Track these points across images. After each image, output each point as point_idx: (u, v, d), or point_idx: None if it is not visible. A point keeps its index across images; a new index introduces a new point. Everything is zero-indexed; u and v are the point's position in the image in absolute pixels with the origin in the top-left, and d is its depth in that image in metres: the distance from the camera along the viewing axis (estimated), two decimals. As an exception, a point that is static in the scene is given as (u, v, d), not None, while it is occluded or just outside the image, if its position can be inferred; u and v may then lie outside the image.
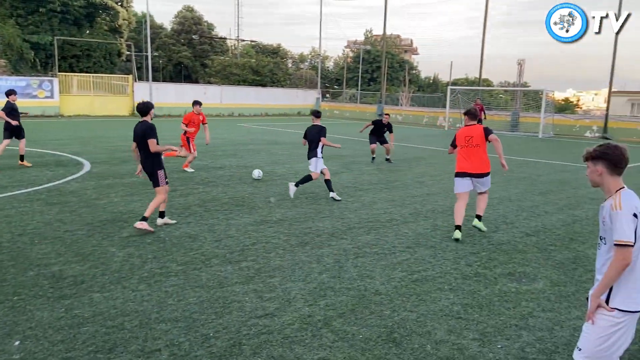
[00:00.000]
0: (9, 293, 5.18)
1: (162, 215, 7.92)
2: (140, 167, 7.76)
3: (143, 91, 34.07)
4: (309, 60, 67.67)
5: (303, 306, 5.10)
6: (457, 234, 7.56)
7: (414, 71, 63.47)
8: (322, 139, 9.86)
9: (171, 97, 35.64)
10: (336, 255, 6.72)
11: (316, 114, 10.27)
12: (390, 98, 44.16)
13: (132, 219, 8.00)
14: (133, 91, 34.29)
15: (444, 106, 34.72)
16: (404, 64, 59.44)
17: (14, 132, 12.66)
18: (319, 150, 9.93)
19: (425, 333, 4.62)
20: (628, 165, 3.21)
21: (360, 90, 50.51)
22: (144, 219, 7.47)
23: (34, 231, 7.32)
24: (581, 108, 53.71)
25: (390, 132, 15.75)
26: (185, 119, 12.86)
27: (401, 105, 42.22)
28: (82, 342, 4.26)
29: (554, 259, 6.88)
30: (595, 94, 64.20)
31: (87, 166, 12.99)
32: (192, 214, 8.53)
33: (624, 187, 3.18)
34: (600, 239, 3.23)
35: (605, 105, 31.65)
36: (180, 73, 59.64)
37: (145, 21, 39.33)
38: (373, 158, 15.58)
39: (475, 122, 7.82)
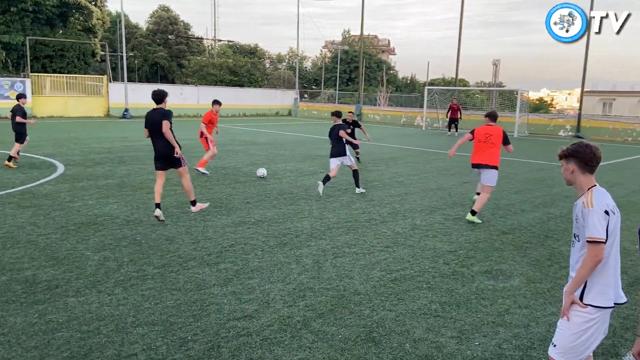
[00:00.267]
0: (-20, 299, 5.05)
1: (193, 203, 8.40)
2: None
3: (118, 92, 33.59)
4: (286, 60, 67.49)
5: (282, 307, 5.08)
6: (469, 217, 8.70)
7: (391, 71, 63.84)
8: (340, 132, 10.46)
9: (147, 98, 34.88)
10: (315, 255, 6.72)
11: (337, 114, 10.78)
12: (368, 98, 44.33)
13: (107, 222, 7.88)
14: (108, 92, 33.80)
15: (422, 106, 34.99)
16: (382, 64, 59.73)
17: (21, 134, 12.81)
18: (345, 145, 10.59)
19: (404, 332, 4.65)
20: (600, 164, 3.26)
21: (339, 90, 50.55)
22: (193, 202, 8.25)
23: (6, 235, 7.16)
24: (555, 107, 54.65)
25: (359, 127, 15.37)
26: (205, 119, 12.72)
27: (379, 105, 42.41)
28: (56, 348, 4.18)
29: (529, 257, 6.99)
30: (569, 94, 65.32)
31: (60, 168, 12.75)
32: (170, 216, 8.43)
33: (595, 185, 3.23)
34: (574, 237, 3.29)
35: (578, 104, 32.26)
36: (156, 74, 58.88)
37: (120, 21, 38.77)
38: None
39: (495, 124, 8.82)
